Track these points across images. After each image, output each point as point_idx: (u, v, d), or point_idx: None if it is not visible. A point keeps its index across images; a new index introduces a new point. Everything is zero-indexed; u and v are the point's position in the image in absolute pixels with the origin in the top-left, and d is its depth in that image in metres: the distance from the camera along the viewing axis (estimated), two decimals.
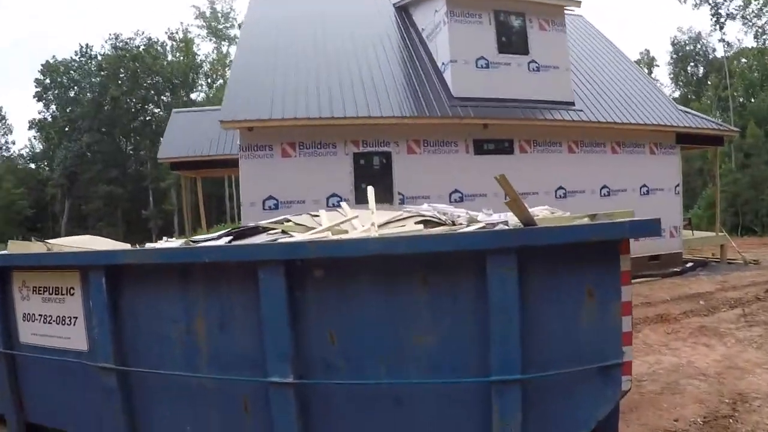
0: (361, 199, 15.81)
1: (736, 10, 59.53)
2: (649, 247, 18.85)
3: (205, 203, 30.25)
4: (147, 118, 68.49)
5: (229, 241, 5.71)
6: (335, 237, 5.18)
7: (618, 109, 19.87)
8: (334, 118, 16.33)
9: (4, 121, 72.81)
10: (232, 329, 4.55)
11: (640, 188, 19.91)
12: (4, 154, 72.11)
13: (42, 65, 67.79)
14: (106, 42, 70.42)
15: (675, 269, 19.41)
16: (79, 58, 68.44)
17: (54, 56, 71.90)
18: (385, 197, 16.26)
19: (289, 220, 6.35)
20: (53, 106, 68.75)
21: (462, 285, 3.98)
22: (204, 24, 72.54)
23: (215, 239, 6.09)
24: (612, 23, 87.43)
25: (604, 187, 19.22)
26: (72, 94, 67.56)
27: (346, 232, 5.74)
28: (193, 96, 70.10)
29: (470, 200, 16.90)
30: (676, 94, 66.09)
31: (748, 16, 59.48)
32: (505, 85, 18.07)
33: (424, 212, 6.24)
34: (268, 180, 16.32)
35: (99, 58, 68.10)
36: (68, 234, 57.44)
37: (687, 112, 22.10)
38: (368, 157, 17.15)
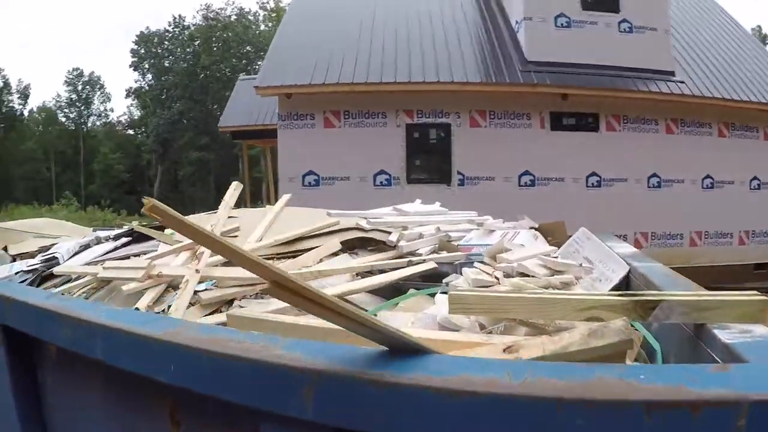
0: (413, 178, 14.59)
1: None
2: (756, 253, 16.11)
3: None
4: None
5: (122, 245, 4.52)
6: None
7: (727, 82, 16.75)
8: (384, 83, 14.46)
9: (103, 90, 76.31)
10: None
11: (750, 181, 16.79)
12: (104, 120, 75.92)
13: (137, 36, 69.87)
14: (197, 12, 71.10)
15: None
16: (172, 28, 70.01)
17: (148, 27, 73.55)
18: (441, 177, 14.69)
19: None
20: (149, 75, 70.66)
21: None
22: None
23: (112, 239, 4.87)
24: None
25: (707, 177, 16.30)
26: (166, 63, 69.10)
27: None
28: None
29: (543, 184, 14.90)
30: None
31: None
32: (590, 49, 15.38)
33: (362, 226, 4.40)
34: (308, 153, 14.68)
35: (191, 28, 69.32)
36: (161, 198, 59.78)
37: None
38: (423, 129, 15.13)
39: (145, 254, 4.28)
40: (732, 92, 16.34)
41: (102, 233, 5.50)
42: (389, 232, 4.21)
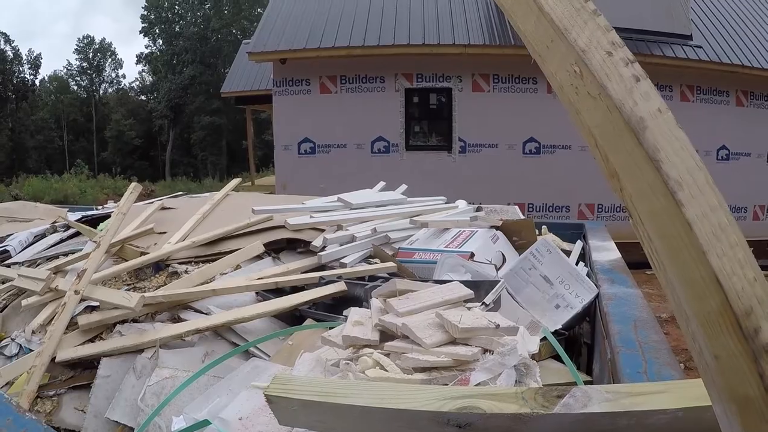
0: (412, 145, 14.23)
1: None
2: None
3: None
4: None
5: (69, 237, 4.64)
6: None
7: (748, 49, 15.76)
8: (382, 46, 13.83)
9: (114, 57, 76.65)
10: None
11: None
12: (116, 87, 76.24)
13: (146, 2, 69.43)
14: None
15: None
16: None
17: None
18: (442, 144, 14.34)
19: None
20: (159, 40, 70.58)
21: None
22: None
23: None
24: None
25: (723, 147, 15.49)
26: (177, 28, 68.64)
27: None
28: None
29: (549, 152, 14.29)
30: None
31: None
32: (604, 10, 13.40)
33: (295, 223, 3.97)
34: (304, 119, 14.21)
35: None
36: (173, 163, 63.69)
37: None
38: (423, 93, 14.54)
39: (73, 253, 4.11)
40: (753, 59, 15.41)
41: (73, 216, 5.41)
42: (322, 230, 3.69)
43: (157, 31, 69.48)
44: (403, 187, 5.48)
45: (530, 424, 1.34)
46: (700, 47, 15.12)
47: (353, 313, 2.38)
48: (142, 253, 3.73)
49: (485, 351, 1.98)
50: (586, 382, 2.30)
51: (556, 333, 2.61)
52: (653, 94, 0.85)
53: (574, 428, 1.36)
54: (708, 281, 0.79)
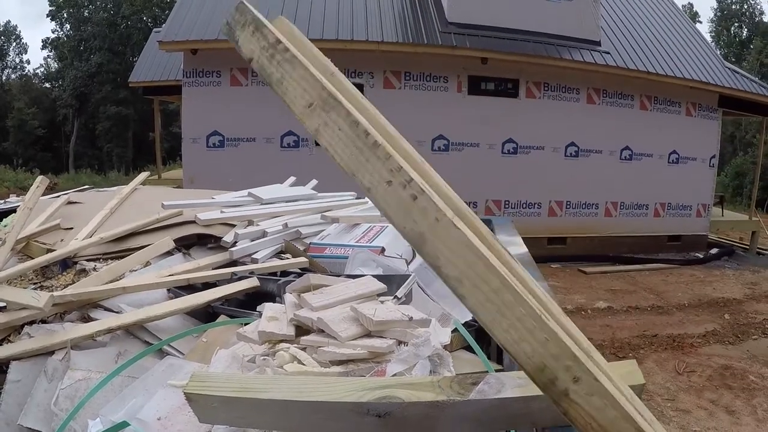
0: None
1: None
2: (670, 225, 16.57)
3: None
4: None
5: None
6: None
7: (653, 56, 16.48)
8: None
9: (19, 41, 72.97)
10: None
11: (669, 155, 16.90)
12: (19, 73, 72.28)
13: None
14: None
15: (697, 255, 16.75)
16: None
17: None
18: None
19: None
20: (67, 26, 67.48)
21: None
22: None
23: None
24: None
25: (626, 148, 16.33)
26: (86, 13, 66.07)
27: None
28: None
29: (457, 149, 14.67)
30: None
31: None
32: (515, 13, 14.89)
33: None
34: (213, 112, 13.95)
35: None
36: (77, 154, 61.09)
37: (736, 71, 18.47)
38: None
39: None
40: (657, 66, 16.15)
41: None
42: (233, 225, 3.69)
43: (65, 15, 66.60)
44: (314, 182, 5.45)
45: (447, 410, 1.39)
46: (608, 53, 15.69)
47: (267, 308, 2.36)
48: (49, 250, 3.56)
49: (400, 343, 2.02)
50: (497, 371, 2.33)
51: (466, 324, 2.65)
52: (430, 206, 1.08)
53: (490, 413, 1.42)
54: (505, 349, 1.05)
